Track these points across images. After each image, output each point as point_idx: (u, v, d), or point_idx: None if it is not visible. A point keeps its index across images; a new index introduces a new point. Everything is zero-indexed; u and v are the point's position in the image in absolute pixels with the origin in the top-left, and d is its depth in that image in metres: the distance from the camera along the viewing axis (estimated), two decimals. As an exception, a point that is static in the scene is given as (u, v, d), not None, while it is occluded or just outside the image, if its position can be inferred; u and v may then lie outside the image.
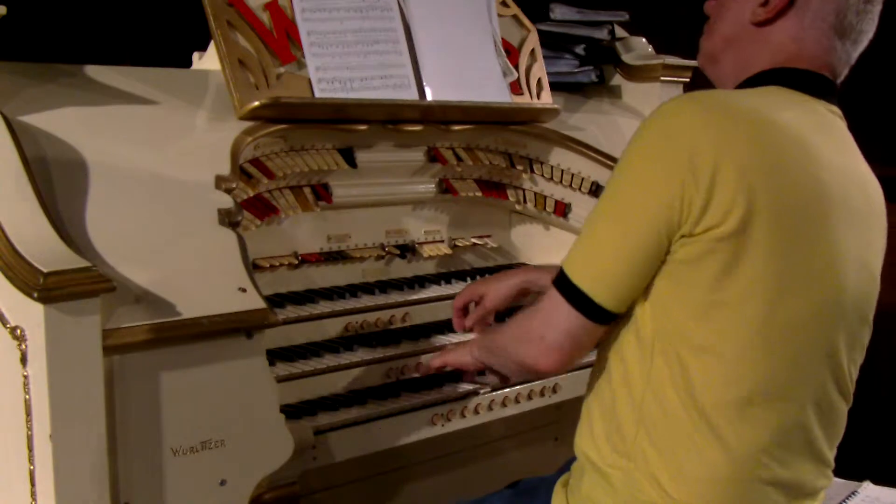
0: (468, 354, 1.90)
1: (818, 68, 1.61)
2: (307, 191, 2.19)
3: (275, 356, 1.95)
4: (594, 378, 1.65)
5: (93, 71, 1.96)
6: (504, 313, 2.33)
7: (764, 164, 1.46)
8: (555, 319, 1.56)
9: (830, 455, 1.65)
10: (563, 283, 1.56)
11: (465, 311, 2.17)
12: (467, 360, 1.91)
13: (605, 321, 1.55)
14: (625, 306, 1.54)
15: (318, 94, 2.12)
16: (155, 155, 1.85)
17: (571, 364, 1.60)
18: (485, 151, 2.51)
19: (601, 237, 1.54)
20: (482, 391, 2.13)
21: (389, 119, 2.26)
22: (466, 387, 2.10)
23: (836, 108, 1.63)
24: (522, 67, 2.51)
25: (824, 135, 1.57)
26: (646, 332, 1.53)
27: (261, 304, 1.67)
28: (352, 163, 2.22)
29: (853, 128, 1.65)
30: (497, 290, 2.11)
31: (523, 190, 2.61)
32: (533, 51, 2.55)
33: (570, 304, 1.54)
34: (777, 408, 1.52)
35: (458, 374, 2.11)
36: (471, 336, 2.19)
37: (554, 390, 2.28)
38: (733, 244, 1.45)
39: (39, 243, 1.50)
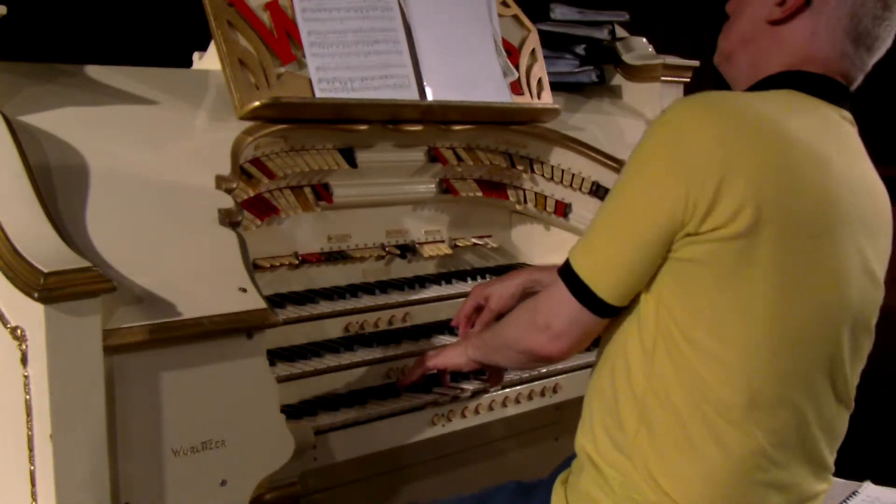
0: (462, 356, 1.90)
1: (832, 73, 1.61)
2: (307, 191, 2.19)
3: (275, 356, 1.95)
4: (596, 373, 1.66)
5: (93, 71, 1.96)
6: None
7: (774, 176, 1.46)
8: (559, 308, 1.59)
9: (830, 459, 1.65)
10: (567, 272, 1.59)
11: (470, 318, 2.18)
12: (461, 361, 1.92)
13: (608, 314, 1.58)
14: (626, 300, 1.56)
15: (318, 94, 2.11)
16: (155, 155, 1.85)
17: (579, 349, 1.64)
18: (485, 151, 2.51)
19: (605, 233, 1.56)
20: (481, 393, 2.13)
21: (390, 119, 2.26)
22: (467, 387, 2.10)
23: (848, 115, 1.63)
24: (523, 67, 2.51)
25: (836, 144, 1.56)
26: (649, 331, 1.54)
27: (261, 304, 1.67)
28: (352, 163, 2.22)
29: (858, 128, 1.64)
30: (502, 292, 2.13)
31: (524, 190, 2.61)
32: (533, 51, 2.55)
33: (573, 294, 1.57)
34: (778, 411, 1.52)
35: (457, 375, 2.10)
36: None
37: (554, 390, 2.28)
38: (738, 247, 1.45)
39: (40, 243, 1.49)
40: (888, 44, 1.63)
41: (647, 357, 1.54)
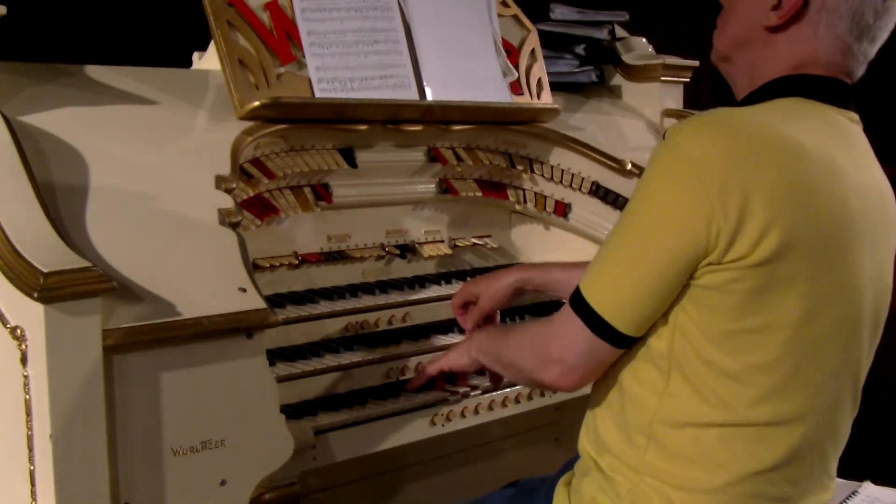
0: (465, 356, 1.88)
1: (835, 73, 1.57)
2: (307, 191, 2.19)
3: (275, 356, 1.95)
4: (601, 383, 1.63)
5: (93, 71, 1.96)
6: (506, 311, 2.33)
7: (792, 195, 1.42)
8: (573, 342, 1.54)
9: (835, 467, 1.65)
10: (580, 305, 1.53)
11: (465, 308, 2.17)
12: (464, 362, 1.90)
13: (625, 344, 1.53)
14: (645, 329, 1.51)
15: (318, 94, 2.11)
16: (155, 155, 1.85)
17: (592, 380, 1.59)
18: (485, 151, 2.51)
19: (621, 264, 1.50)
20: (482, 392, 2.13)
21: (389, 119, 2.26)
22: (466, 387, 2.10)
23: (853, 115, 1.60)
24: (522, 67, 2.51)
25: (846, 152, 1.53)
26: (663, 352, 1.51)
27: (261, 304, 1.67)
28: (352, 163, 2.22)
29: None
30: (491, 292, 2.10)
31: (523, 190, 2.61)
32: (533, 51, 2.55)
33: (589, 327, 1.52)
34: (796, 427, 1.51)
35: (455, 376, 2.10)
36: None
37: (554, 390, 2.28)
38: (761, 272, 1.42)
39: (39, 243, 1.49)
40: (890, 29, 1.58)
41: (662, 377, 1.51)
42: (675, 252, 1.44)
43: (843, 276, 1.49)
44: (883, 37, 1.58)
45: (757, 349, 1.46)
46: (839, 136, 1.55)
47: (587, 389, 1.69)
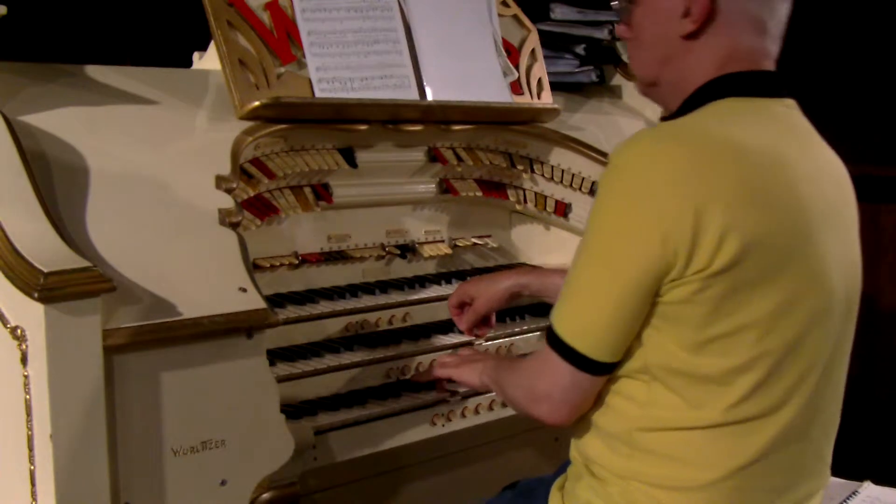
0: (477, 378, 1.88)
1: (757, 63, 1.56)
2: (307, 191, 2.19)
3: (275, 356, 1.95)
4: None
5: (93, 71, 1.96)
6: (505, 311, 2.33)
7: (745, 195, 1.43)
8: (556, 378, 1.54)
9: (829, 453, 1.65)
10: (555, 341, 1.53)
11: (461, 309, 2.17)
12: (475, 382, 1.90)
13: (606, 372, 1.53)
14: (622, 354, 1.51)
15: (318, 94, 2.12)
16: (155, 155, 1.85)
17: (585, 410, 1.59)
18: (485, 151, 2.51)
19: (587, 295, 1.50)
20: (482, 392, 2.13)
21: (390, 119, 2.26)
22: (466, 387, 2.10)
23: (789, 101, 1.59)
24: (523, 67, 2.51)
25: (790, 140, 1.54)
26: (638, 367, 1.51)
27: (261, 304, 1.67)
28: (352, 163, 2.22)
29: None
30: (488, 295, 2.10)
31: (524, 190, 2.61)
32: (533, 51, 2.55)
33: (567, 361, 1.52)
34: (779, 417, 1.51)
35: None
36: (468, 338, 2.20)
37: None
38: (725, 279, 1.42)
39: (40, 243, 1.50)
40: None
41: (643, 388, 1.52)
42: (637, 275, 1.44)
43: (809, 265, 1.50)
44: (789, 6, 1.57)
45: (734, 352, 1.46)
46: (780, 127, 1.55)
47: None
